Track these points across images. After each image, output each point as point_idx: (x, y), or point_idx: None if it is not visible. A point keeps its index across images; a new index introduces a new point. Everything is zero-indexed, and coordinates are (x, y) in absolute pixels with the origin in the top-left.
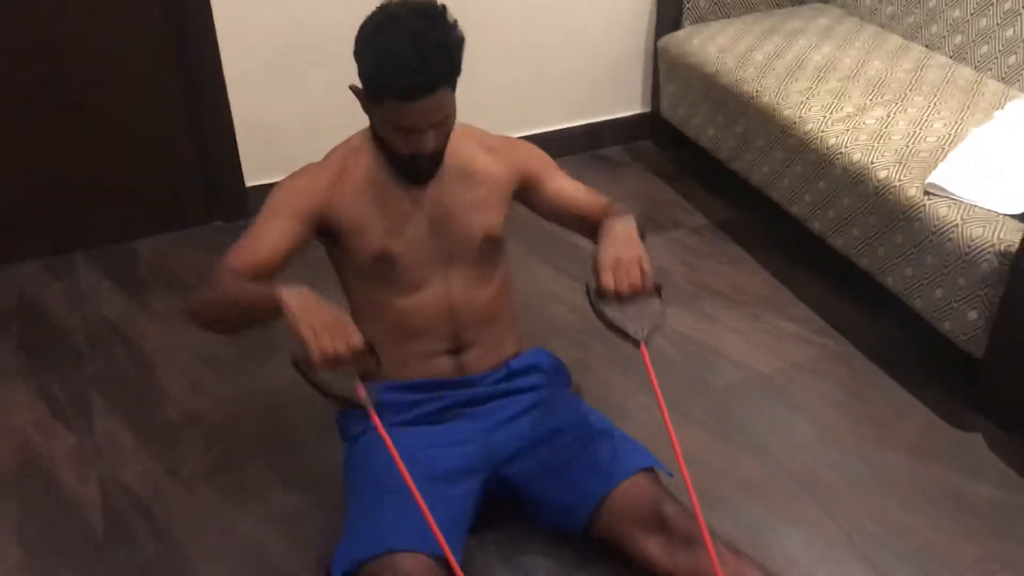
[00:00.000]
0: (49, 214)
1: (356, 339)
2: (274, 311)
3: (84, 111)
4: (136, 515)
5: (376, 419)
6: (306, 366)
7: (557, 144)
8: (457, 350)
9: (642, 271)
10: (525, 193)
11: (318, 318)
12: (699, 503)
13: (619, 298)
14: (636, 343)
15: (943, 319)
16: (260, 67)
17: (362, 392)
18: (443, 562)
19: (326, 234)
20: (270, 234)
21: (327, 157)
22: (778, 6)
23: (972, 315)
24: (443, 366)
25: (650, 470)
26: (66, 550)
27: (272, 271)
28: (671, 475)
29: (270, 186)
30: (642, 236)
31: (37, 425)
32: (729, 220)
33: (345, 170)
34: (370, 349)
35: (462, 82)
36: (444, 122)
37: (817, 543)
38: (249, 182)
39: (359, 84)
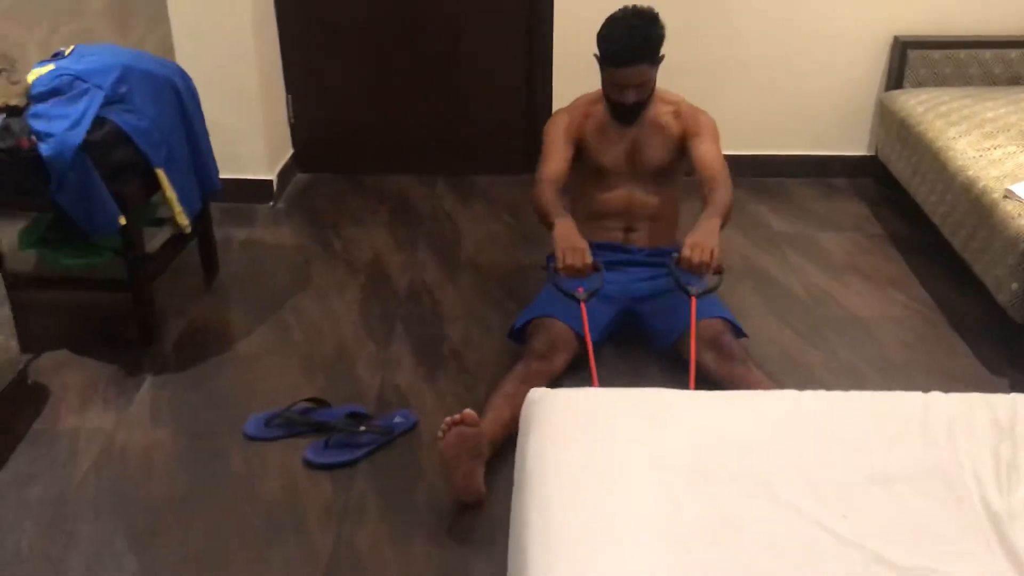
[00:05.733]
0: (426, 150)
1: (588, 259)
2: (550, 228)
3: (459, 84)
4: (424, 291)
5: (584, 309)
6: (552, 270)
7: (791, 167)
8: (627, 230)
9: (712, 255)
10: (686, 144)
11: (568, 243)
12: (769, 367)
13: (690, 268)
14: (689, 296)
15: (999, 291)
16: (581, 63)
17: (580, 291)
18: (577, 337)
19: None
20: (559, 152)
21: (575, 102)
22: (993, 84)
23: (1015, 286)
24: (616, 236)
25: (724, 320)
26: (380, 301)
27: (565, 174)
28: (745, 334)
29: None
30: (722, 226)
31: (386, 247)
32: (898, 233)
33: (589, 112)
34: (596, 267)
35: (730, 105)
36: (643, 86)
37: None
38: None
39: (598, 53)
